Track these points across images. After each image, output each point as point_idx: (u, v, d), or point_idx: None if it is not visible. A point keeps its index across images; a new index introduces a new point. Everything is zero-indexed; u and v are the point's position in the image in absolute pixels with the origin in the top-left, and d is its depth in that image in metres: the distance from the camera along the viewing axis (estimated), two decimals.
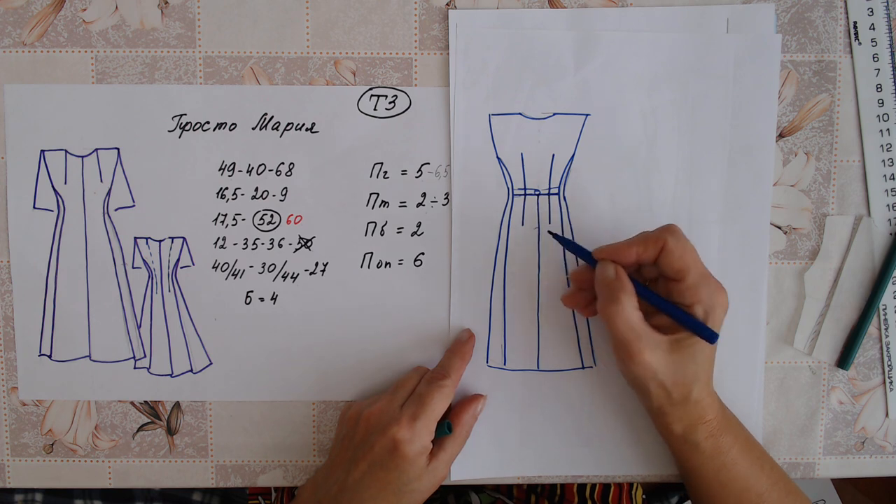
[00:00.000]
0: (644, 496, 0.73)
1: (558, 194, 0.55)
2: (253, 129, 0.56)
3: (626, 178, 0.56)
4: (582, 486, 0.70)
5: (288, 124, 0.56)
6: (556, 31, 0.55)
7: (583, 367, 0.57)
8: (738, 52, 0.55)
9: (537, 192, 0.55)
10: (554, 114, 0.55)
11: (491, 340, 0.57)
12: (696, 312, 0.47)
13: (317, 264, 0.57)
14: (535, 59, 0.55)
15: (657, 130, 0.55)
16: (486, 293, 0.56)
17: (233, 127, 0.56)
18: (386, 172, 0.56)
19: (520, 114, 0.55)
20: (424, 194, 0.56)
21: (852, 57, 0.56)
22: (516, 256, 0.56)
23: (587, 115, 0.55)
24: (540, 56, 0.55)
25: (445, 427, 0.53)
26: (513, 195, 0.56)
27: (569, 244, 0.52)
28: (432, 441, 0.52)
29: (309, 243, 0.57)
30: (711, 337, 0.47)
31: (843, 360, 0.58)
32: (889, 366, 0.58)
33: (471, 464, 0.58)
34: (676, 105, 0.55)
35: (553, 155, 0.55)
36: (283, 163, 0.56)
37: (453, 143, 0.55)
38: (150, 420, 0.58)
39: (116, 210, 0.56)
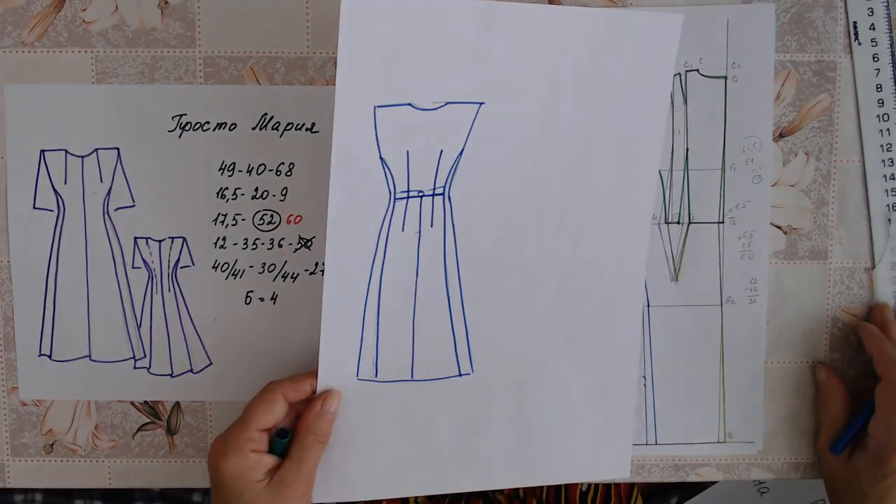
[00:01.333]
0: (643, 500, 0.73)
1: (443, 195, 0.49)
2: (253, 129, 0.56)
3: (515, 179, 0.50)
4: (584, 494, 0.70)
5: (288, 124, 0.55)
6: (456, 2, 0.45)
7: (459, 375, 0.52)
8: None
9: (421, 194, 0.49)
10: (446, 103, 0.47)
11: (363, 352, 0.50)
12: (868, 442, 0.52)
13: (317, 264, 0.57)
14: (430, 35, 0.45)
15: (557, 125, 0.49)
16: (359, 304, 0.49)
17: (233, 127, 0.55)
18: None
19: (409, 104, 0.46)
20: None
21: (852, 57, 0.56)
22: (394, 263, 0.49)
23: (481, 103, 0.47)
24: (435, 32, 0.45)
25: (276, 434, 0.48)
26: (394, 199, 0.48)
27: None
28: (273, 454, 0.48)
29: (309, 243, 0.57)
30: (834, 448, 0.54)
31: None
32: None
33: (338, 485, 0.51)
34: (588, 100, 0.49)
35: (441, 150, 0.48)
36: (283, 163, 0.56)
37: (333, 142, 0.45)
38: (150, 420, 0.58)
39: (116, 210, 0.56)
